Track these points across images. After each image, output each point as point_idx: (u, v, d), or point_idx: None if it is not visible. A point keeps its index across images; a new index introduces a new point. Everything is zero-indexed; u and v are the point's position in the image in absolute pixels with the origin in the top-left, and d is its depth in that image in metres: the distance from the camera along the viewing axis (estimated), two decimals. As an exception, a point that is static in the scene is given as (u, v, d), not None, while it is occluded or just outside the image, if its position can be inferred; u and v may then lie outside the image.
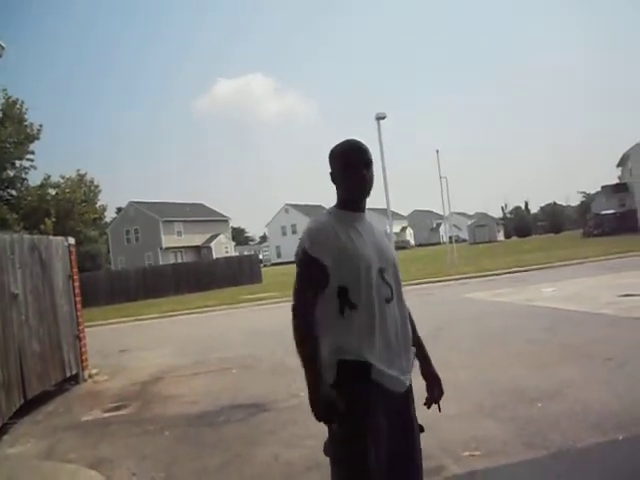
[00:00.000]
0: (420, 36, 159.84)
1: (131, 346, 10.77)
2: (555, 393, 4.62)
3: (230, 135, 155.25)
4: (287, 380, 6.09)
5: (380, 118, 19.36)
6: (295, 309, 1.89)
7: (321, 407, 1.80)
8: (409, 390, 1.96)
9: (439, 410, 2.11)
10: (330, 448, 1.87)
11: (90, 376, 7.76)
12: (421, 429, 1.99)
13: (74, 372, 7.36)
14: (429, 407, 2.09)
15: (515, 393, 4.75)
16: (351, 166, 1.99)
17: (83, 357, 7.73)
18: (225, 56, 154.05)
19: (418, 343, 2.08)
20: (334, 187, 2.08)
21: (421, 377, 2.11)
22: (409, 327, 2.02)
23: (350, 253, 1.90)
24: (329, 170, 2.08)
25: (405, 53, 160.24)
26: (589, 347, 6.19)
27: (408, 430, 1.94)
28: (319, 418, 1.82)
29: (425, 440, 2.02)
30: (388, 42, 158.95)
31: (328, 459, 1.89)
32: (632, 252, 19.17)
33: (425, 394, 2.10)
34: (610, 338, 6.53)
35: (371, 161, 2.03)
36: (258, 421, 4.86)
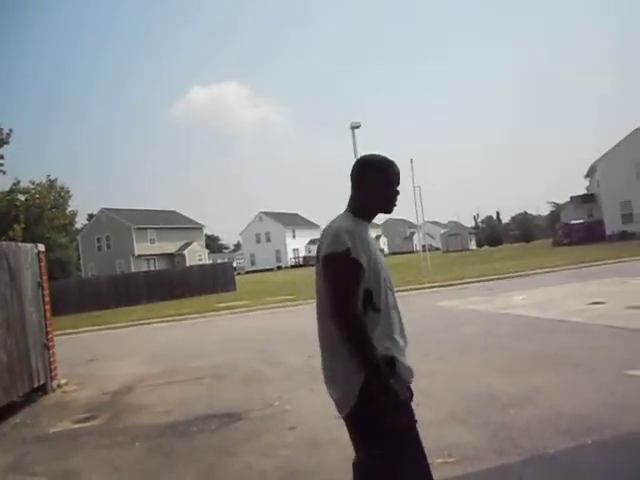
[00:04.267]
0: (395, 43, 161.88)
1: (101, 355, 10.58)
2: (526, 399, 4.69)
3: (204, 143, 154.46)
4: (261, 389, 6.06)
5: (355, 127, 19.47)
6: (346, 314, 1.90)
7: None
8: None
9: None
10: (378, 452, 1.92)
11: (59, 386, 7.59)
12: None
13: (42, 382, 7.18)
14: None
15: (487, 400, 4.81)
16: (395, 184, 2.17)
17: (52, 367, 7.55)
18: (199, 64, 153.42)
19: None
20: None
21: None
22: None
23: (375, 259, 2.02)
24: (362, 175, 2.15)
25: (380, 61, 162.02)
26: (559, 354, 6.31)
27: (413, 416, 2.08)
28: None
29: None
30: (363, 51, 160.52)
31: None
32: (600, 261, 19.61)
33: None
34: (579, 345, 6.66)
35: None
36: (231, 431, 4.81)
